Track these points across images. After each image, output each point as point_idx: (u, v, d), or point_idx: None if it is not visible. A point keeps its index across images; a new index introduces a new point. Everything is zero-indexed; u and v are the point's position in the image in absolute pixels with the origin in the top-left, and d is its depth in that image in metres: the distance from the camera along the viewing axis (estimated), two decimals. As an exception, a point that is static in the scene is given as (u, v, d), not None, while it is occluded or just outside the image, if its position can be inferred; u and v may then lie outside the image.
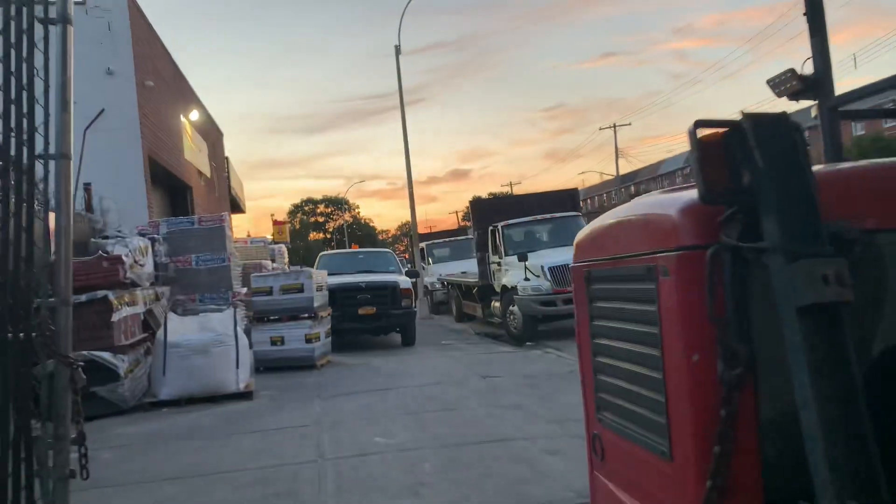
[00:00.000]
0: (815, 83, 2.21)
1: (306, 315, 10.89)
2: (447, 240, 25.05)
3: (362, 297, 12.92)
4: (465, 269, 20.59)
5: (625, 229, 2.06)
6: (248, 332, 11.40)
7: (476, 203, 16.14)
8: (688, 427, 1.67)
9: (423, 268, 22.24)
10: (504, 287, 14.18)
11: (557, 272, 13.31)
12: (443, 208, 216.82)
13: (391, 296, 13.04)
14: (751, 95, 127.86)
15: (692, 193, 1.75)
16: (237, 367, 8.60)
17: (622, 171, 62.03)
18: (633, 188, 73.15)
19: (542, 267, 13.37)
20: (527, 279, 13.40)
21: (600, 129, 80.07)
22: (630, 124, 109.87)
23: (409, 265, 22.09)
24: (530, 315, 13.42)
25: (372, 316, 12.94)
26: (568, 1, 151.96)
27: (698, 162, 1.55)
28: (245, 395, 8.58)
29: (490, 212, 15.65)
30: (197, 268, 12.00)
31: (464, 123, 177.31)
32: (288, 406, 8.03)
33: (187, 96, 17.91)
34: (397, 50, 21.55)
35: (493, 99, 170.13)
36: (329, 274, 13.08)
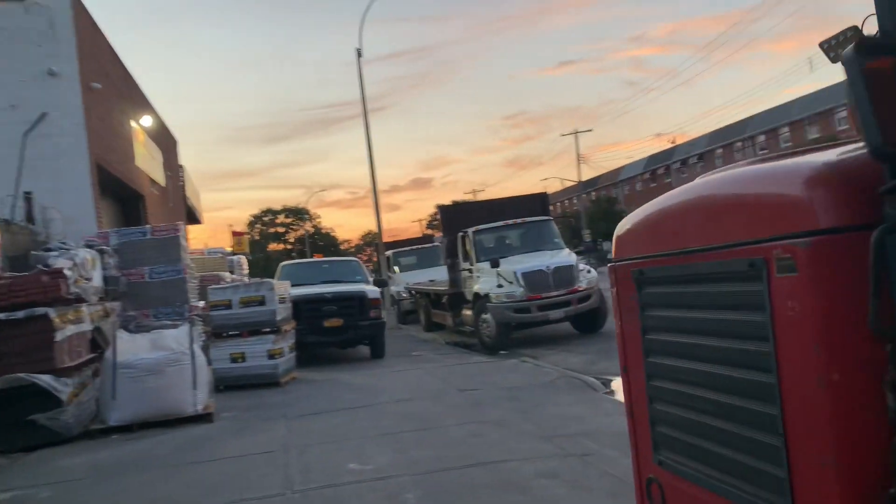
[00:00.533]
0: (886, 42, 1.72)
1: (268, 329, 10.23)
2: (413, 248, 24.48)
3: (328, 308, 12.28)
4: (433, 277, 20.10)
5: (704, 213, 1.56)
6: (206, 349, 10.72)
7: (445, 209, 15.65)
8: (834, 489, 1.17)
9: (390, 276, 21.64)
10: (476, 294, 13.69)
11: (531, 278, 12.89)
12: (405, 217, 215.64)
13: (359, 306, 12.43)
14: (705, 101, 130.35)
15: (822, 157, 1.26)
16: (194, 387, 7.92)
17: (583, 177, 62.28)
18: (593, 194, 73.62)
19: (516, 273, 12.94)
20: (500, 286, 12.96)
21: (562, 135, 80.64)
22: (591, 130, 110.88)
23: (373, 274, 21.47)
24: (504, 323, 12.96)
25: (339, 328, 12.31)
26: (526, 11, 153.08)
27: (868, 99, 1.05)
28: (204, 418, 7.90)
29: (459, 217, 15.16)
30: (150, 281, 11.25)
31: (425, 132, 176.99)
32: (251, 429, 7.38)
33: (138, 101, 17.04)
34: (359, 53, 20.98)
35: (455, 107, 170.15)
36: (292, 285, 12.41)
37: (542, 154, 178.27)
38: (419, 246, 24.84)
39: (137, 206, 16.23)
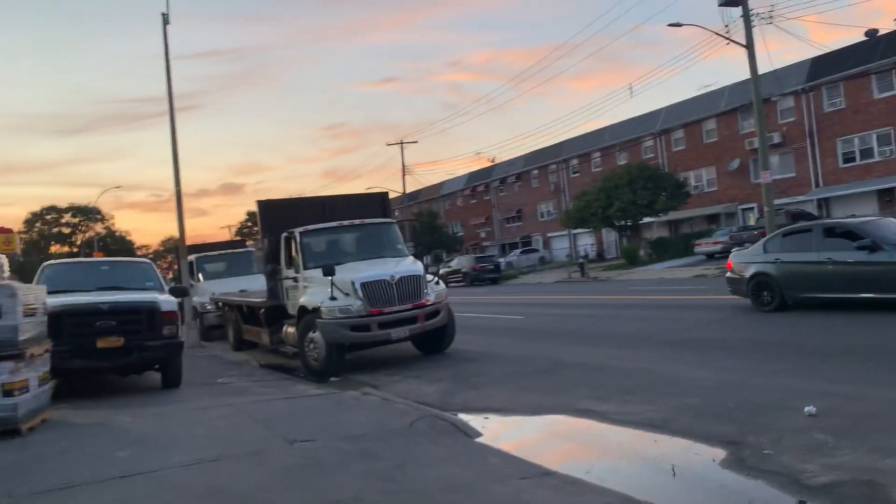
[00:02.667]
0: None
1: (6, 353, 7.10)
2: (222, 252, 21.23)
3: (104, 323, 9.19)
4: (245, 286, 17.25)
5: None
6: None
7: (266, 204, 12.94)
8: None
9: (192, 285, 18.37)
10: (302, 308, 11.25)
11: (371, 289, 10.73)
12: (214, 223, 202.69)
13: (148, 321, 9.48)
14: (515, 127, 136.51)
15: None
16: None
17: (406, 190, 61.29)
18: (415, 207, 73.04)
19: (354, 283, 10.70)
20: (333, 298, 10.64)
21: (388, 144, 79.17)
22: (417, 142, 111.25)
23: (172, 282, 18.11)
24: (336, 343, 10.66)
25: (119, 350, 9.26)
26: (351, 24, 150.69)
27: None
28: None
29: (283, 216, 12.58)
30: None
31: (239, 136, 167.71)
32: (-59, 524, 4.49)
33: None
34: (165, 19, 17.64)
35: (272, 113, 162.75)
36: (55, 291, 9.24)
37: (360, 166, 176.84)
38: (229, 251, 21.64)
39: None
